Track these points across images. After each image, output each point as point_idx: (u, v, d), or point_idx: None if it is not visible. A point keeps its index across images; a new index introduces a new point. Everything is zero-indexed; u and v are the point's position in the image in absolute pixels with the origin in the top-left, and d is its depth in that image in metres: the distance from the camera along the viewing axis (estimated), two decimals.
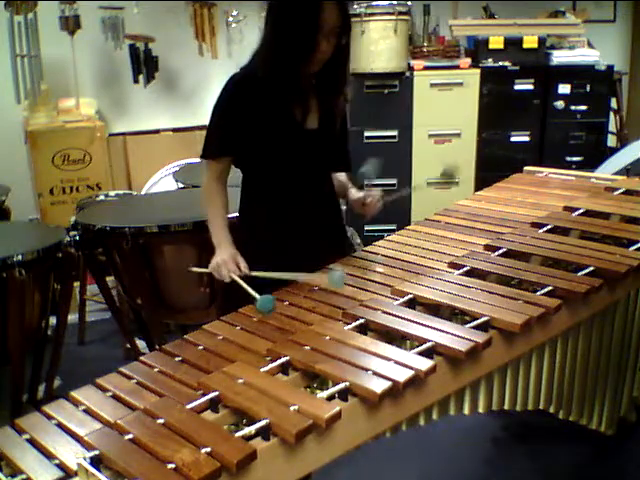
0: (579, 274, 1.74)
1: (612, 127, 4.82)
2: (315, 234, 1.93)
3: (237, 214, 2.00)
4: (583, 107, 4.45)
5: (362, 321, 1.52)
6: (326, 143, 1.93)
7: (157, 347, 1.56)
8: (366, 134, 4.38)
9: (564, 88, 4.43)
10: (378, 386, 1.25)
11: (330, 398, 1.25)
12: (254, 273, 1.77)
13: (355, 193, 2.05)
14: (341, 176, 2.09)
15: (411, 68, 4.36)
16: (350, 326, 1.51)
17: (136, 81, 4.24)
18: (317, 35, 1.72)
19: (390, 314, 1.54)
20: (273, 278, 1.76)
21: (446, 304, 1.60)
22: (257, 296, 1.65)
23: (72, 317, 3.10)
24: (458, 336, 1.43)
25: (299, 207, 1.90)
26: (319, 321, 1.56)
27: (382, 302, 1.62)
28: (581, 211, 2.21)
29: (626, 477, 2.36)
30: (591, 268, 1.76)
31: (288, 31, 1.73)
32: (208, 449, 1.09)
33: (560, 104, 4.45)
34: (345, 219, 2.19)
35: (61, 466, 1.13)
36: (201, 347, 1.50)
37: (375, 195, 2.00)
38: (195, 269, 2.03)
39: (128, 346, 3.04)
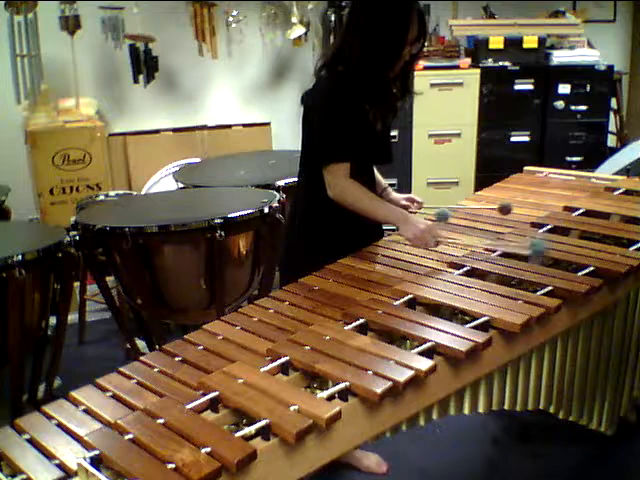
0: (579, 274, 1.74)
1: (612, 127, 4.82)
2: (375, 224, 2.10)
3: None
4: (583, 107, 4.46)
5: (362, 321, 1.52)
6: (387, 142, 2.14)
7: (157, 347, 1.56)
8: None
9: (564, 88, 4.44)
10: (378, 386, 1.25)
11: (330, 398, 1.25)
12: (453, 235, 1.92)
13: (396, 194, 2.26)
14: (378, 176, 2.25)
15: None
16: (350, 326, 1.51)
17: (136, 81, 4.24)
18: (405, 45, 1.90)
19: (390, 314, 1.54)
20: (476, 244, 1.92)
21: (446, 304, 1.60)
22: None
23: (72, 317, 3.09)
24: (458, 336, 1.43)
25: None
26: (319, 321, 1.56)
27: (382, 302, 1.62)
28: (581, 211, 2.21)
29: (626, 477, 2.36)
30: (591, 268, 1.76)
31: (381, 40, 1.88)
32: (208, 449, 1.09)
33: (560, 104, 4.45)
34: None
35: (61, 466, 1.13)
36: (201, 347, 1.50)
37: (418, 205, 2.22)
38: (391, 239, 2.06)
39: (128, 346, 3.04)
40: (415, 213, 2.18)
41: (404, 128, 4.40)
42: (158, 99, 4.48)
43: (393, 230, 2.13)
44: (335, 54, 1.98)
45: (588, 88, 4.44)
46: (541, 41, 4.41)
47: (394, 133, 4.39)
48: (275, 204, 2.66)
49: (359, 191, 1.96)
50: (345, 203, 1.96)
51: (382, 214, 1.98)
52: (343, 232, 2.04)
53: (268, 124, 4.57)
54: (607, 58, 4.58)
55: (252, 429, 1.14)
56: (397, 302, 1.62)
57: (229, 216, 2.52)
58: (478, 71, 4.38)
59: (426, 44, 4.46)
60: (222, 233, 2.47)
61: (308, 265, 1.91)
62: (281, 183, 3.01)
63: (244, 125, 4.53)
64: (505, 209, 2.16)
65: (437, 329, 1.46)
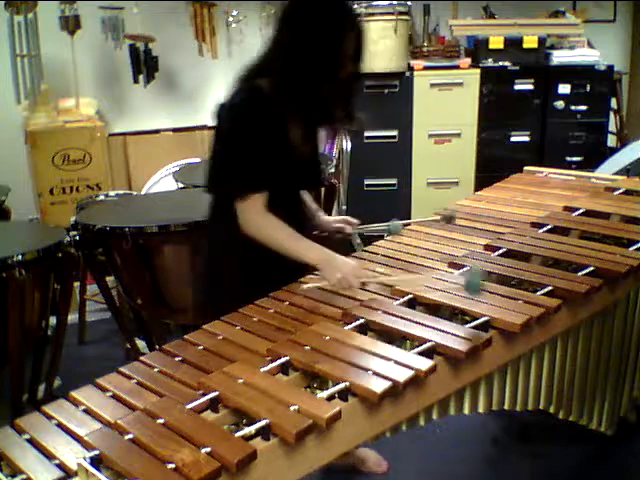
0: (579, 274, 1.74)
1: (612, 127, 4.82)
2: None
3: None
4: (583, 107, 4.46)
5: (362, 321, 1.52)
6: (315, 165, 1.97)
7: (157, 347, 1.56)
8: (366, 134, 4.38)
9: (564, 88, 4.44)
10: (378, 386, 1.25)
11: (330, 398, 1.25)
12: (382, 277, 1.75)
13: (327, 217, 2.11)
14: (307, 199, 2.08)
15: (411, 68, 4.36)
16: (350, 326, 1.51)
17: (136, 81, 4.24)
18: (341, 63, 1.72)
19: (390, 314, 1.54)
20: (405, 281, 1.74)
21: (446, 304, 1.60)
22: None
23: (72, 317, 3.09)
24: (458, 336, 1.43)
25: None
26: (319, 321, 1.56)
27: (382, 302, 1.62)
28: (581, 211, 2.21)
29: (626, 477, 2.36)
30: (591, 268, 1.76)
31: (315, 56, 1.69)
32: (208, 449, 1.09)
33: (560, 104, 4.45)
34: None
35: (61, 466, 1.13)
36: (201, 347, 1.50)
37: (352, 226, 2.07)
38: (309, 285, 1.74)
39: (128, 346, 3.04)
40: (349, 234, 2.07)
41: (404, 128, 4.41)
42: (158, 99, 4.48)
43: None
44: (258, 66, 1.79)
45: (588, 88, 4.44)
46: (541, 41, 4.41)
47: (394, 133, 4.39)
48: None
49: (277, 229, 1.76)
50: (260, 241, 1.76)
51: (303, 254, 1.74)
52: (255, 267, 1.83)
53: None
54: (607, 58, 4.58)
55: (252, 429, 1.14)
56: (397, 302, 1.62)
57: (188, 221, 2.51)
58: (478, 71, 4.37)
59: (426, 44, 4.54)
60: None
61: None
62: None
63: None
64: (448, 218, 2.09)
65: (437, 329, 1.46)
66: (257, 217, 1.76)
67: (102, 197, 3.52)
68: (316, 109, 1.79)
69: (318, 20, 1.71)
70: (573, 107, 4.46)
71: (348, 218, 2.11)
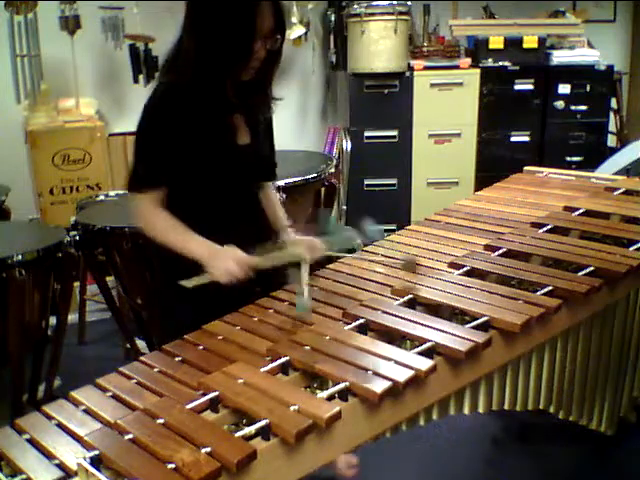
0: (579, 274, 1.74)
1: (612, 127, 4.82)
2: (248, 248, 1.72)
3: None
4: (583, 107, 4.46)
5: (362, 321, 1.52)
6: (258, 158, 1.84)
7: (157, 347, 1.56)
8: (366, 134, 4.39)
9: (564, 88, 4.44)
10: (378, 386, 1.25)
11: (330, 398, 1.25)
12: (263, 258, 1.65)
13: (294, 235, 1.89)
14: (277, 210, 1.95)
15: (411, 68, 4.36)
16: (350, 326, 1.51)
17: (136, 81, 4.23)
18: (253, 40, 1.61)
19: (390, 314, 1.54)
20: (280, 262, 1.67)
21: (446, 304, 1.60)
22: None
23: (72, 317, 3.09)
24: (458, 336, 1.43)
25: (232, 226, 1.77)
26: (319, 321, 1.56)
27: (382, 302, 1.62)
28: (581, 211, 2.21)
29: (626, 477, 2.36)
30: (591, 268, 1.76)
31: (221, 37, 1.59)
32: (208, 449, 1.09)
33: (560, 104, 4.46)
34: (345, 220, 2.19)
35: (61, 466, 1.13)
36: (201, 347, 1.50)
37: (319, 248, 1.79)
38: (186, 282, 1.64)
39: (128, 346, 3.04)
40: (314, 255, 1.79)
41: (404, 128, 4.41)
42: None
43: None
44: (170, 60, 1.71)
45: (588, 88, 4.44)
46: (541, 41, 4.41)
47: (394, 133, 4.40)
48: None
49: (165, 223, 1.69)
50: (151, 236, 1.71)
51: (189, 248, 1.66)
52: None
53: None
54: (607, 58, 4.58)
55: (252, 429, 1.14)
56: (397, 302, 1.62)
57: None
58: (478, 71, 4.38)
59: (426, 44, 4.54)
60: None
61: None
62: (281, 183, 3.01)
63: None
64: (409, 266, 1.81)
65: (437, 329, 1.46)
66: (146, 212, 1.72)
67: (102, 197, 3.52)
68: (240, 94, 1.70)
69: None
70: (573, 107, 4.46)
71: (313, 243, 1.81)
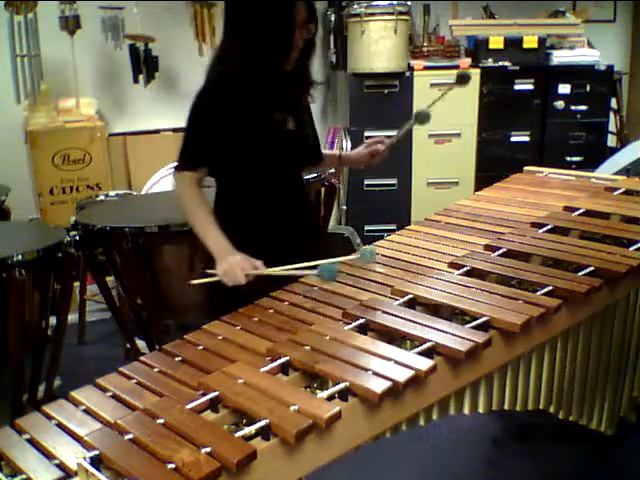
0: (579, 274, 1.74)
1: (612, 127, 4.82)
2: (298, 233, 1.94)
3: None
4: (583, 107, 4.46)
5: (362, 321, 1.52)
6: (304, 143, 1.96)
7: (157, 347, 1.56)
8: (366, 134, 4.38)
9: (564, 88, 4.44)
10: (378, 386, 1.25)
11: (330, 398, 1.25)
12: (269, 270, 1.74)
13: (358, 150, 2.13)
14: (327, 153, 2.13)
15: (411, 68, 4.36)
16: (350, 326, 1.51)
17: (136, 81, 4.24)
18: (293, 32, 1.73)
19: (390, 314, 1.54)
20: (288, 274, 1.75)
21: (446, 304, 1.60)
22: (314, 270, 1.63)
23: (72, 317, 3.10)
24: (458, 336, 1.43)
25: (282, 208, 1.90)
26: (319, 321, 1.56)
27: (382, 302, 1.62)
28: (581, 211, 2.21)
29: (626, 477, 2.36)
30: (591, 268, 1.76)
31: (264, 31, 1.72)
32: (208, 449, 1.09)
33: (560, 104, 4.46)
34: (345, 219, 2.20)
35: (61, 466, 1.13)
36: (201, 347, 1.50)
37: (383, 143, 2.11)
38: (196, 282, 1.81)
39: (128, 346, 3.04)
40: (382, 152, 2.08)
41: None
42: (158, 99, 4.48)
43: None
44: (217, 57, 1.85)
45: (588, 88, 4.44)
46: (541, 41, 4.41)
47: (394, 133, 4.39)
48: None
49: (195, 205, 1.82)
50: (181, 210, 1.85)
51: (207, 240, 1.80)
52: (256, 238, 1.84)
53: None
54: (607, 58, 4.59)
55: (252, 429, 1.14)
56: (397, 302, 1.62)
57: None
58: (478, 71, 4.38)
59: (426, 44, 4.54)
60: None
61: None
62: None
63: None
64: (464, 78, 2.06)
65: (437, 329, 1.46)
66: (182, 190, 1.84)
67: (102, 197, 3.53)
68: (283, 84, 1.81)
69: None
70: (573, 107, 4.46)
71: (373, 142, 2.12)
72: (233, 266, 1.72)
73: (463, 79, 2.01)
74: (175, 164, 1.86)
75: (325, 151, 2.12)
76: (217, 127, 1.79)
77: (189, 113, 1.84)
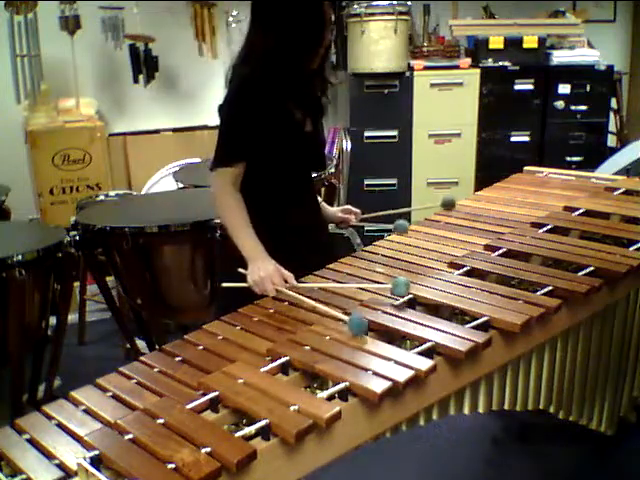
0: (579, 274, 1.74)
1: (612, 127, 4.82)
2: (312, 234, 1.96)
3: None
4: (583, 107, 4.46)
5: None
6: (320, 145, 1.98)
7: (157, 347, 1.56)
8: (366, 134, 4.39)
9: (564, 88, 4.44)
10: (378, 386, 1.25)
11: (330, 398, 1.25)
12: (302, 285, 1.73)
13: (334, 210, 2.15)
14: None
15: (411, 68, 4.36)
16: None
17: (136, 81, 4.24)
18: (325, 30, 1.76)
19: (390, 314, 1.54)
20: (319, 288, 1.73)
21: (446, 304, 1.60)
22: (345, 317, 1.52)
23: (72, 317, 3.09)
24: (458, 336, 1.43)
25: (297, 208, 1.91)
26: (319, 321, 1.56)
27: (382, 302, 1.62)
28: (581, 211, 2.21)
29: (626, 477, 2.36)
30: (591, 268, 1.76)
31: (299, 28, 1.73)
32: (208, 449, 1.09)
33: (560, 104, 4.46)
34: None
35: (61, 466, 1.13)
36: (201, 347, 1.50)
37: (357, 217, 2.13)
38: (227, 285, 1.79)
39: (128, 346, 3.04)
40: (354, 226, 2.12)
41: (404, 128, 4.41)
42: (158, 99, 4.48)
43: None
44: (245, 55, 1.83)
45: (588, 88, 4.44)
46: (541, 41, 4.41)
47: (394, 133, 4.40)
48: None
49: (230, 205, 1.80)
50: (216, 209, 1.85)
51: (241, 244, 1.78)
52: (271, 236, 1.83)
53: None
54: (607, 58, 4.58)
55: (252, 429, 1.14)
56: (397, 302, 1.62)
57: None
58: (478, 71, 4.38)
59: (426, 44, 4.54)
60: (222, 233, 2.47)
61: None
62: None
63: None
64: (448, 204, 2.06)
65: (437, 329, 1.46)
66: (219, 189, 1.82)
67: (102, 197, 3.52)
68: (307, 83, 1.84)
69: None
70: (573, 107, 4.46)
71: (350, 207, 2.14)
72: (265, 277, 1.71)
73: (448, 204, 2.04)
74: (211, 163, 1.84)
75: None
76: (252, 123, 1.78)
77: (224, 109, 1.82)
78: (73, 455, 1.13)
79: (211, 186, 1.86)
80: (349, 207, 2.15)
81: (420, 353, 1.37)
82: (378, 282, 1.73)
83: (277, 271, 1.73)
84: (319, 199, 2.11)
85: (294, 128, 1.85)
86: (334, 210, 2.15)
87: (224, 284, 1.78)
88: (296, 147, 1.87)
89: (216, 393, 1.25)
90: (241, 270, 1.76)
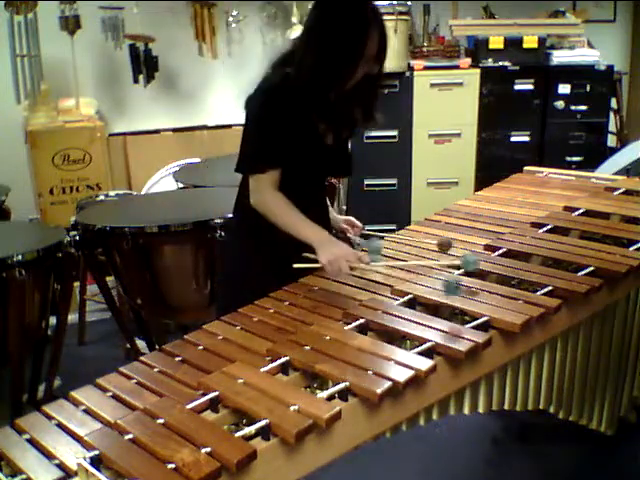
0: (579, 274, 1.74)
1: (612, 127, 4.82)
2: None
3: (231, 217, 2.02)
4: (583, 107, 4.46)
5: (362, 321, 1.52)
6: (338, 158, 1.98)
7: (157, 347, 1.56)
8: (366, 134, 4.38)
9: (564, 88, 4.44)
10: (378, 386, 1.25)
11: (330, 398, 1.25)
12: (374, 264, 1.76)
13: (338, 218, 2.13)
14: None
15: (411, 68, 4.36)
16: (350, 326, 1.51)
17: (136, 81, 4.24)
18: (359, 60, 1.74)
19: (390, 314, 1.54)
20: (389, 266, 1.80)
21: (446, 304, 1.60)
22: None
23: (72, 317, 3.09)
24: (458, 336, 1.43)
25: (308, 214, 1.88)
26: (319, 321, 1.56)
27: (382, 302, 1.62)
28: (581, 211, 2.21)
29: (626, 477, 2.36)
30: (591, 268, 1.76)
31: (337, 54, 1.72)
32: (208, 449, 1.09)
33: (560, 104, 4.45)
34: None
35: (61, 466, 1.13)
36: (201, 347, 1.50)
37: (356, 230, 2.10)
38: (299, 265, 1.76)
39: (128, 346, 3.04)
40: (353, 239, 2.07)
41: (404, 128, 4.41)
42: (158, 99, 4.48)
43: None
44: (286, 56, 1.84)
45: (588, 88, 4.44)
46: (541, 41, 4.41)
47: (394, 133, 4.39)
48: None
49: (282, 206, 1.81)
50: (266, 216, 1.83)
51: (304, 233, 1.77)
52: (281, 244, 1.83)
53: None
54: (607, 58, 4.58)
55: (252, 429, 1.14)
56: (397, 302, 1.62)
57: (229, 216, 2.51)
58: (478, 71, 4.37)
59: (426, 44, 4.54)
60: (222, 233, 2.48)
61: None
62: None
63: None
64: (445, 245, 1.95)
65: (437, 329, 1.46)
66: (267, 193, 1.81)
67: (102, 197, 3.52)
68: (333, 105, 1.83)
69: (345, 14, 1.73)
70: (573, 107, 4.46)
71: (353, 220, 2.12)
72: (338, 257, 1.70)
73: (443, 246, 1.98)
74: (248, 166, 1.84)
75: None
76: (283, 129, 1.79)
77: (255, 113, 1.82)
78: (73, 455, 1.13)
79: (251, 194, 1.84)
80: (352, 219, 2.13)
81: (420, 353, 1.37)
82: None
83: (349, 250, 1.75)
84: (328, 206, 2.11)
85: (315, 140, 1.86)
86: (338, 218, 2.14)
87: (296, 265, 1.76)
88: (313, 159, 1.87)
89: (216, 393, 1.25)
90: (307, 255, 1.76)
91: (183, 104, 4.56)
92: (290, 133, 1.79)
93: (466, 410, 1.55)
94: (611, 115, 4.70)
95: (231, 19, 4.42)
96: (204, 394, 1.27)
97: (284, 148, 1.80)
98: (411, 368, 1.31)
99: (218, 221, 2.48)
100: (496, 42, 4.40)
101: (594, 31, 4.78)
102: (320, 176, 2.00)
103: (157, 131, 4.48)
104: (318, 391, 1.30)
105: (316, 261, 1.74)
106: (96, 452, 1.10)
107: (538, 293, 1.64)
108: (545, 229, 2.08)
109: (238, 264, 1.96)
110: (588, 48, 4.55)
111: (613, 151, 4.25)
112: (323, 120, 1.85)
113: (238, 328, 1.58)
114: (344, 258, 1.70)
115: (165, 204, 3.02)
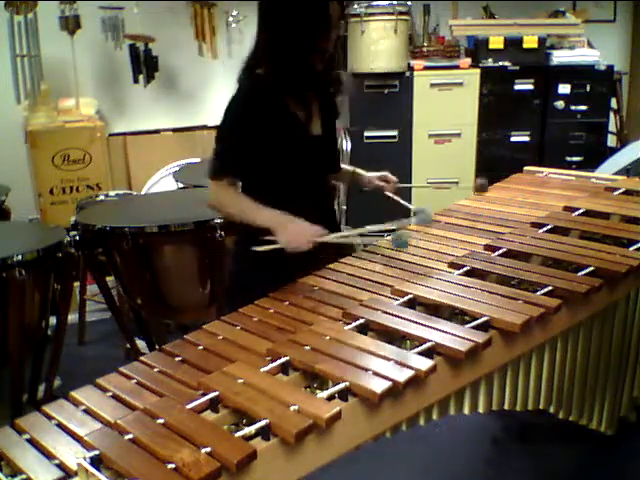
0: (579, 274, 1.74)
1: (612, 127, 4.82)
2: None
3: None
4: (583, 107, 4.46)
5: (362, 321, 1.52)
6: (330, 148, 1.97)
7: (157, 347, 1.56)
8: (366, 134, 4.39)
9: (564, 88, 4.44)
10: (378, 386, 1.25)
11: (330, 398, 1.25)
12: (332, 236, 1.78)
13: (371, 175, 2.14)
14: (346, 167, 2.15)
15: (411, 68, 4.36)
16: (350, 326, 1.51)
17: (136, 81, 4.24)
18: (330, 30, 1.77)
19: (390, 314, 1.54)
20: (347, 241, 1.86)
21: (446, 304, 1.60)
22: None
23: (72, 317, 3.10)
24: (458, 336, 1.43)
25: (304, 213, 1.86)
26: (319, 321, 1.56)
27: (382, 302, 1.62)
28: (581, 211, 2.21)
29: (626, 477, 2.36)
30: (591, 268, 1.76)
31: (300, 29, 1.73)
32: (208, 449, 1.09)
33: (560, 104, 4.45)
34: (345, 220, 2.21)
35: (61, 466, 1.13)
36: (201, 347, 1.50)
37: (390, 185, 2.13)
38: (260, 248, 1.74)
39: (128, 346, 3.04)
40: (389, 196, 2.11)
41: (404, 128, 4.41)
42: (158, 99, 4.48)
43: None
44: (251, 57, 1.86)
45: (588, 88, 4.44)
46: (541, 41, 4.41)
47: (394, 133, 4.40)
48: None
49: (232, 196, 1.83)
50: (221, 210, 1.87)
51: (259, 218, 1.77)
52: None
53: None
54: (607, 58, 4.58)
55: (252, 429, 1.14)
56: (397, 302, 1.62)
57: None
58: (478, 71, 4.38)
59: (426, 44, 4.54)
60: (222, 233, 2.48)
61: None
62: None
63: None
64: (481, 187, 2.03)
65: (437, 329, 1.46)
66: (220, 193, 1.84)
67: (102, 197, 3.52)
68: (306, 78, 1.82)
69: None
70: (573, 107, 4.46)
71: (387, 175, 2.13)
72: (296, 233, 1.72)
73: (481, 188, 2.03)
74: (210, 170, 1.85)
75: (343, 165, 2.14)
76: (250, 135, 1.79)
77: (223, 120, 1.83)
78: (73, 455, 1.13)
79: (208, 196, 1.88)
80: (387, 174, 2.13)
81: (420, 353, 1.37)
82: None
83: (306, 225, 1.75)
84: (350, 169, 2.13)
85: (298, 132, 1.85)
86: (371, 176, 2.13)
87: (256, 248, 1.75)
88: (301, 152, 1.86)
89: (216, 393, 1.25)
90: (267, 237, 1.75)
91: (183, 104, 4.56)
92: (265, 137, 1.79)
93: (466, 410, 1.55)
94: (611, 115, 4.70)
95: (231, 19, 4.42)
96: (204, 394, 1.27)
97: (245, 158, 1.81)
98: (411, 368, 1.31)
99: (218, 221, 2.48)
100: (496, 42, 4.40)
101: (594, 31, 4.78)
102: (316, 172, 1.95)
103: (157, 131, 4.48)
104: (318, 391, 1.30)
105: (276, 242, 1.74)
106: (96, 452, 1.10)
107: (538, 293, 1.64)
108: (545, 229, 2.08)
109: (243, 278, 1.95)
110: (588, 48, 4.55)
111: (613, 151, 4.25)
112: (304, 102, 1.85)
113: (238, 328, 1.58)
114: (302, 235, 1.72)
115: (165, 204, 3.02)
